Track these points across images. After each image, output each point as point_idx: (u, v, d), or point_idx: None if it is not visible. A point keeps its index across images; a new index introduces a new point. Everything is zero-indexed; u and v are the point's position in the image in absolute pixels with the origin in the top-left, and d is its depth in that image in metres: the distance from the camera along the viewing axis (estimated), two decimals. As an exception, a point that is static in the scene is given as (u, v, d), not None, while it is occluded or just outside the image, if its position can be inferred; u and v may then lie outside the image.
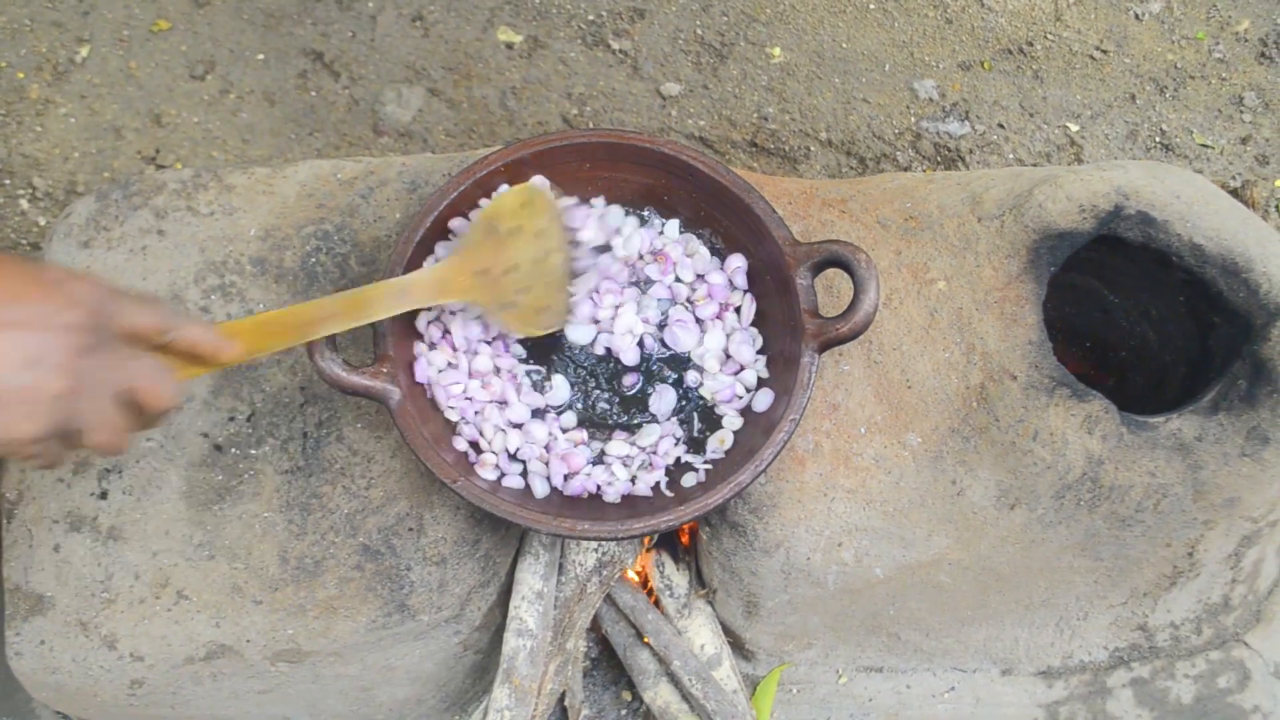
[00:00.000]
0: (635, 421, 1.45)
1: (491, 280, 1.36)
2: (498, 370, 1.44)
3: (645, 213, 1.53)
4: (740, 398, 1.43)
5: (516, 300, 1.39)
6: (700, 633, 1.66)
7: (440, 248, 1.44)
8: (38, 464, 0.89)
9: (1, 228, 2.44)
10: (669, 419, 1.44)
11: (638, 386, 1.46)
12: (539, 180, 1.46)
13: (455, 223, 1.45)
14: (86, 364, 0.85)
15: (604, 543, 1.61)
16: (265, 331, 1.16)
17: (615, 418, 1.45)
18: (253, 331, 1.14)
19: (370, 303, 1.25)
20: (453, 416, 1.41)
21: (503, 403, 1.43)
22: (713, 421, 1.44)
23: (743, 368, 1.44)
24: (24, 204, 2.46)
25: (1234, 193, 2.50)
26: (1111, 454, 1.41)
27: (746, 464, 1.31)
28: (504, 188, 1.45)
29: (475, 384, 1.42)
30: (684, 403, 1.45)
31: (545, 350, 1.48)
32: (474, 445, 1.41)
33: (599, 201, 1.51)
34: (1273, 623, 1.79)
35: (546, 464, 1.40)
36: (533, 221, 1.39)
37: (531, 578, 1.57)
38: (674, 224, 1.51)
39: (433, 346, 1.43)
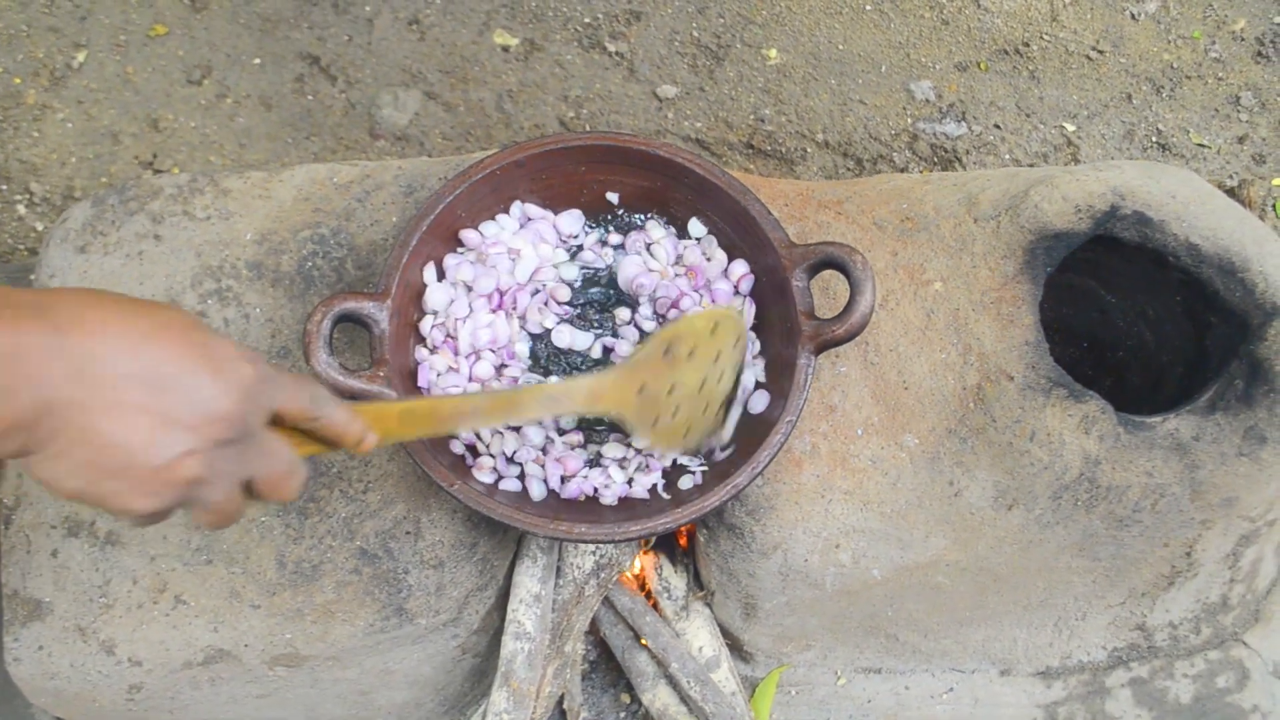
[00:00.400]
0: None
1: (649, 398, 1.32)
2: (499, 374, 1.44)
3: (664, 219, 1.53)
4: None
5: (664, 420, 1.35)
6: (698, 635, 1.66)
7: (450, 259, 1.45)
8: (131, 524, 0.88)
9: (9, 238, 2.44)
10: None
11: None
12: (735, 303, 1.44)
13: (466, 234, 1.46)
14: (223, 454, 0.83)
15: (601, 545, 1.61)
16: (407, 420, 1.12)
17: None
18: (396, 419, 1.10)
19: (521, 405, 1.22)
20: None
21: None
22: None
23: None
24: (21, 209, 2.46)
25: (1230, 192, 2.51)
26: (1108, 454, 1.41)
27: (743, 466, 1.31)
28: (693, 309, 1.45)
29: (474, 388, 1.42)
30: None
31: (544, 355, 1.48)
32: (471, 449, 1.41)
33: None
34: (1271, 622, 1.78)
35: (543, 466, 1.40)
36: (713, 347, 1.35)
37: (529, 581, 1.57)
38: (696, 222, 1.51)
39: (434, 350, 1.43)
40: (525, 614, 1.55)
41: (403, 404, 1.12)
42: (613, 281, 1.52)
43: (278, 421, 0.92)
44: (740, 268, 1.47)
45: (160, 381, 0.79)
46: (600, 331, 1.50)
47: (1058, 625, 1.70)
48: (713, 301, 1.47)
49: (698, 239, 1.50)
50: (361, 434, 1.01)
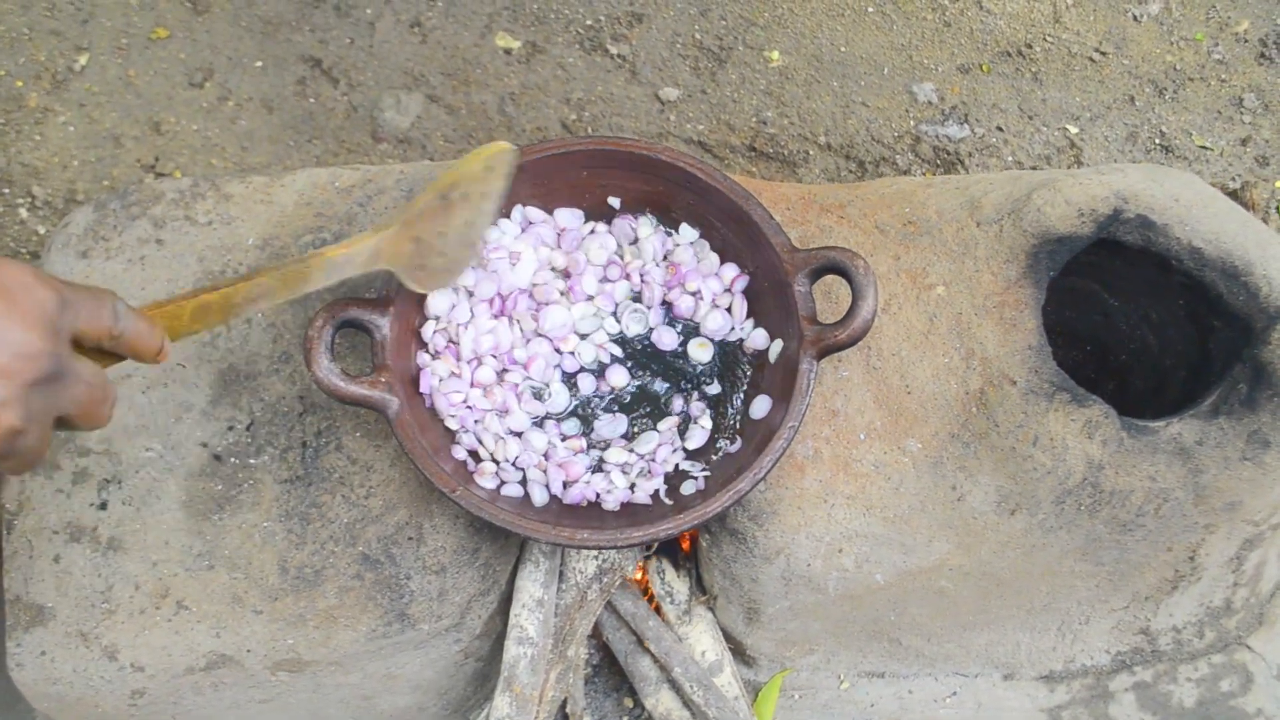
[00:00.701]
0: (635, 430, 1.45)
1: (422, 246, 1.30)
2: (501, 379, 1.44)
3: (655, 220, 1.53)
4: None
5: (429, 263, 1.32)
6: (701, 639, 1.66)
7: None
8: None
9: (1, 236, 2.44)
10: (669, 427, 1.44)
11: (628, 385, 1.47)
12: (501, 144, 1.38)
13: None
14: (38, 394, 0.78)
15: (604, 551, 1.61)
16: (200, 315, 1.07)
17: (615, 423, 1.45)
18: (190, 317, 1.06)
19: (308, 277, 1.18)
20: (453, 425, 1.41)
21: (504, 411, 1.42)
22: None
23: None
24: (23, 212, 2.46)
25: (1234, 194, 2.50)
26: (1112, 459, 1.41)
27: (746, 471, 1.31)
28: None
29: (477, 393, 1.42)
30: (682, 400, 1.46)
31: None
32: (473, 454, 1.41)
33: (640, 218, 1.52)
34: (1275, 626, 1.78)
35: (545, 472, 1.40)
36: (485, 187, 1.33)
37: (532, 585, 1.57)
38: (686, 227, 1.51)
39: (435, 355, 1.43)
40: (528, 619, 1.55)
41: (196, 300, 1.06)
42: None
43: (79, 343, 0.86)
44: (731, 270, 1.47)
45: None
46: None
47: (1061, 629, 1.70)
48: (698, 300, 1.47)
49: (690, 243, 1.50)
50: (159, 345, 0.95)
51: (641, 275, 1.49)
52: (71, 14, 2.66)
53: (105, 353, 0.92)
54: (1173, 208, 1.49)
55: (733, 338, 1.47)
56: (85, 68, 2.61)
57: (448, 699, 1.69)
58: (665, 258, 1.51)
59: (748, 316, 1.47)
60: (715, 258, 1.49)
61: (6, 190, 2.47)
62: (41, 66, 2.61)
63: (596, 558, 1.61)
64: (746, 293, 1.47)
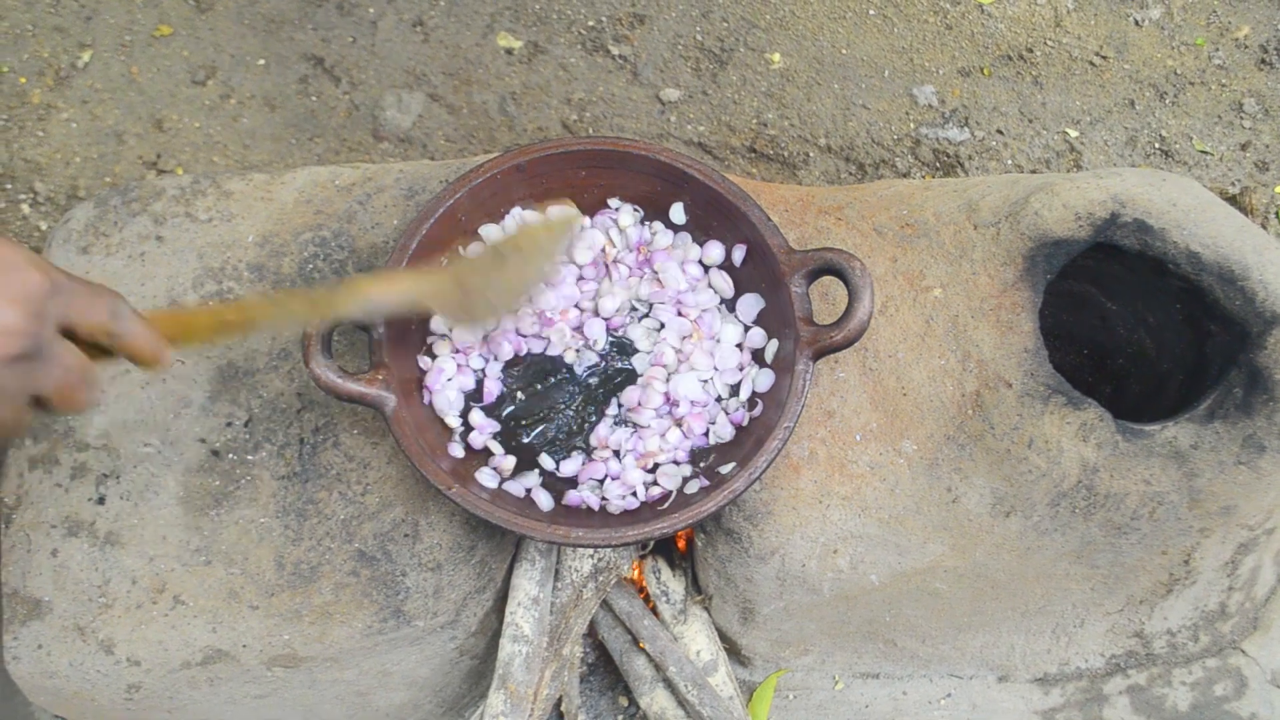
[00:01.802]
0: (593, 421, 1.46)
1: (468, 296, 1.32)
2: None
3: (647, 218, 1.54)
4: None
5: (478, 309, 1.35)
6: (696, 639, 1.66)
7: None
8: None
9: (3, 232, 2.44)
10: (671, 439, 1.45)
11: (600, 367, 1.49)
12: (567, 210, 1.44)
13: (487, 229, 1.48)
14: (13, 371, 0.78)
15: (599, 549, 1.62)
16: (222, 329, 1.06)
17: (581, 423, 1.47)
18: (209, 329, 1.05)
19: (338, 305, 1.18)
20: (453, 423, 1.42)
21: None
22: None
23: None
24: (25, 208, 2.47)
25: (1233, 199, 2.50)
26: (1106, 462, 1.41)
27: (741, 471, 1.32)
28: (521, 212, 1.46)
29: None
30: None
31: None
32: (474, 451, 1.43)
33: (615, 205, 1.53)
34: (1270, 630, 1.78)
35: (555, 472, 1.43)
36: (544, 249, 1.37)
37: (527, 583, 1.57)
38: (662, 224, 1.52)
39: (435, 357, 1.45)
40: (523, 617, 1.55)
41: (214, 313, 1.06)
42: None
43: (71, 333, 0.86)
44: (716, 249, 1.48)
45: None
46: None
47: (1056, 632, 1.70)
48: (679, 304, 1.49)
49: (675, 228, 1.52)
50: (159, 352, 0.94)
51: (616, 260, 1.50)
52: (75, 11, 2.67)
53: (104, 351, 0.92)
54: (1170, 212, 1.49)
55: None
56: (88, 64, 2.61)
57: (443, 696, 1.69)
58: (647, 246, 1.52)
59: (739, 292, 1.48)
60: (696, 249, 1.50)
61: (9, 186, 2.48)
62: (45, 63, 2.61)
63: (592, 557, 1.62)
64: (738, 278, 1.48)
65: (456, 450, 1.40)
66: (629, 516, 1.37)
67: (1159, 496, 1.43)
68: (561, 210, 1.42)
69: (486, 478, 1.39)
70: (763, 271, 1.43)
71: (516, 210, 1.49)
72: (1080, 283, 1.68)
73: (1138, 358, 1.71)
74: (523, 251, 1.34)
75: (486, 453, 1.43)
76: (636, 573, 1.71)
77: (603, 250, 1.51)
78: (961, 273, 1.51)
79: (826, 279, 1.51)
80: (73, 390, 0.85)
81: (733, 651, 1.73)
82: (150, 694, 1.46)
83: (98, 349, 0.91)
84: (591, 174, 1.49)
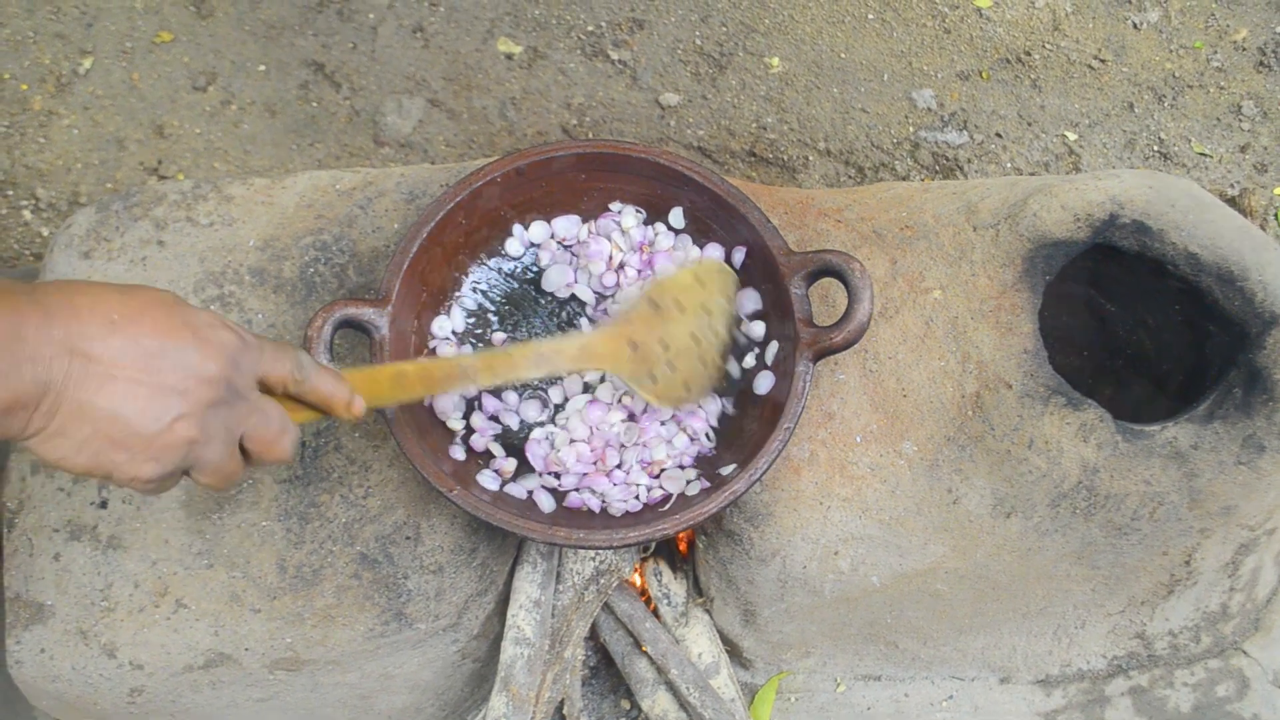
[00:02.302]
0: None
1: (642, 354, 1.35)
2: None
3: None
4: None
5: (661, 374, 1.36)
6: (698, 641, 1.66)
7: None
8: (141, 492, 0.92)
9: (5, 238, 2.45)
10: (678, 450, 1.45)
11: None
12: (717, 255, 1.46)
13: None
14: (215, 414, 0.88)
15: (600, 551, 1.62)
16: (400, 384, 1.14)
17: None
18: (388, 383, 1.12)
19: (514, 365, 1.24)
20: (455, 426, 1.42)
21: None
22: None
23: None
24: (27, 215, 2.47)
25: (1232, 201, 2.50)
26: (1107, 462, 1.41)
27: (741, 473, 1.32)
28: (672, 267, 1.47)
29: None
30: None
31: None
32: (474, 452, 1.43)
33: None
34: (1271, 631, 1.78)
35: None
36: (701, 298, 1.39)
37: (529, 586, 1.57)
38: (664, 225, 1.53)
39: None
40: (525, 619, 1.55)
41: (394, 367, 1.13)
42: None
43: (267, 389, 0.96)
44: (715, 251, 1.49)
45: (148, 354, 0.85)
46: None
47: (1057, 633, 1.69)
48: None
49: (675, 230, 1.52)
50: (349, 398, 1.04)
51: (623, 264, 1.51)
52: (76, 17, 2.67)
53: (303, 405, 1.02)
54: (1169, 213, 1.49)
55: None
56: (89, 71, 2.62)
57: (445, 699, 1.69)
58: (649, 245, 1.52)
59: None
60: (696, 251, 1.51)
61: (11, 192, 2.48)
62: (46, 70, 2.61)
63: (593, 559, 1.62)
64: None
65: (458, 453, 1.40)
66: (630, 518, 1.37)
67: (1159, 497, 1.43)
68: (710, 261, 1.43)
69: (488, 480, 1.39)
70: (762, 273, 1.43)
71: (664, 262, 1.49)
72: (1079, 285, 1.68)
73: (1137, 359, 1.70)
74: (677, 299, 1.37)
75: (488, 455, 1.43)
76: (638, 575, 1.71)
77: (609, 256, 1.51)
78: (961, 274, 1.52)
79: (826, 281, 1.51)
80: (272, 437, 0.94)
81: (734, 654, 1.73)
82: (153, 697, 1.46)
83: (298, 407, 1.01)
84: (591, 177, 1.49)
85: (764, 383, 1.43)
